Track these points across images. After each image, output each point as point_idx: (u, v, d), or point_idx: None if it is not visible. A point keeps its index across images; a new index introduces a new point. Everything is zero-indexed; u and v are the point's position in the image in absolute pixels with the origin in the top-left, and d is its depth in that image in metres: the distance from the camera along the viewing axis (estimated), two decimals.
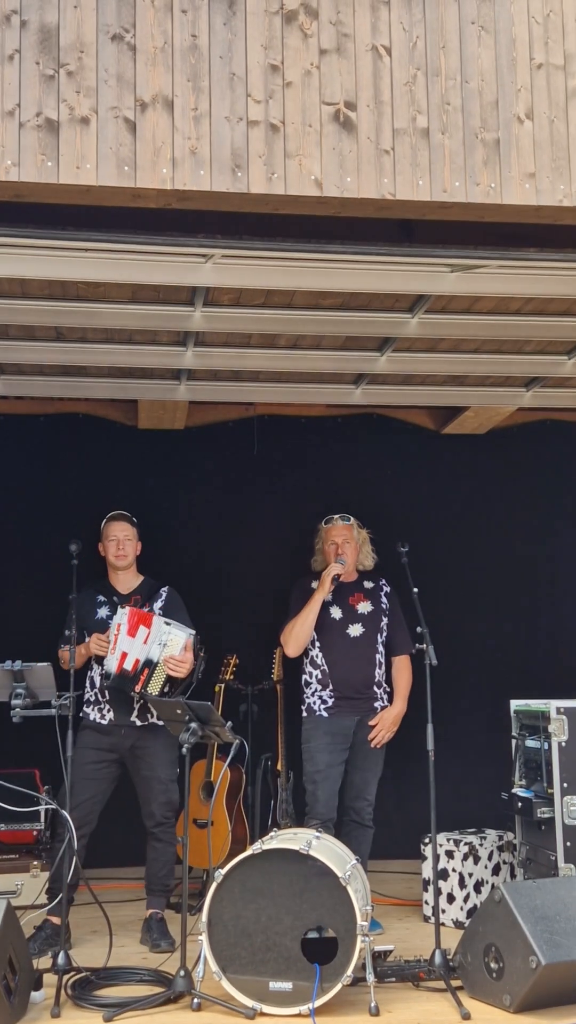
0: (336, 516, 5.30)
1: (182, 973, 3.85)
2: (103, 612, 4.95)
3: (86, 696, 4.92)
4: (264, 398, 6.12)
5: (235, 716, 5.60)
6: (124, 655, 4.72)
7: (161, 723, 4.85)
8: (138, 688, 4.72)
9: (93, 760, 4.77)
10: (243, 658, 5.79)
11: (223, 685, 5.73)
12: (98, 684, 4.87)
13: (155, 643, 4.73)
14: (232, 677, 5.76)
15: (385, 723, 5.10)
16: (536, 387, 5.93)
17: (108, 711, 4.85)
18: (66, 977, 3.97)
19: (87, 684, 4.92)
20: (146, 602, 4.99)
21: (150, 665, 4.72)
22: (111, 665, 4.74)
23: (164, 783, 4.83)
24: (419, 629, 4.62)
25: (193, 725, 4.10)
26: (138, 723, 4.85)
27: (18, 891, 5.13)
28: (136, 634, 4.73)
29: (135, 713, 4.85)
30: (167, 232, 3.88)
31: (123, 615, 4.79)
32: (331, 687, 5.10)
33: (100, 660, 4.84)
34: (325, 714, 5.10)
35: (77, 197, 3.56)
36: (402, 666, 5.21)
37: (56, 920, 4.62)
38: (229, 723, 4.21)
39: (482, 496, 6.75)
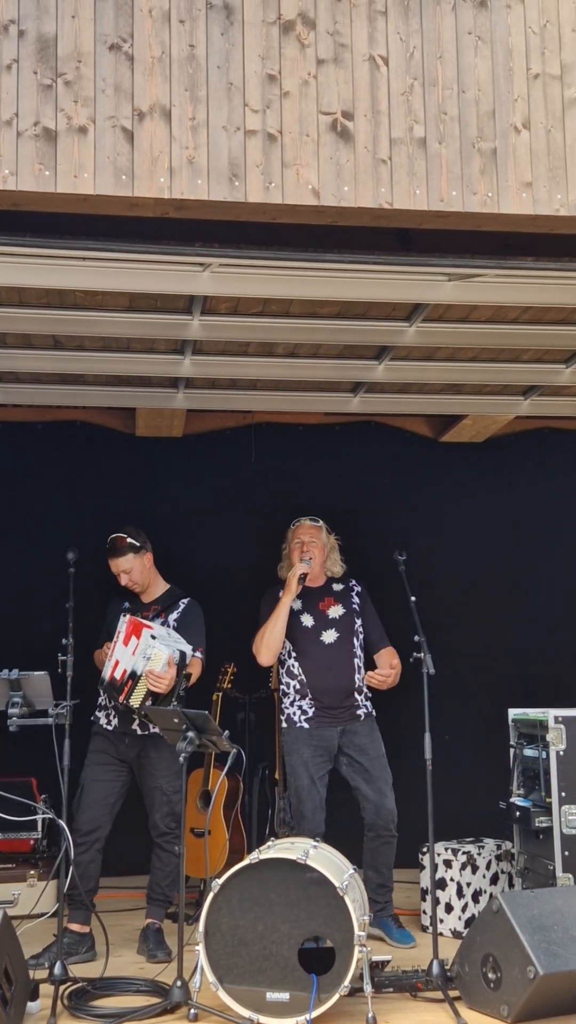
0: (304, 517, 5.24)
1: (179, 983, 3.84)
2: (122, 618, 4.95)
3: (99, 701, 4.93)
4: (262, 406, 6.13)
5: (232, 725, 5.58)
6: (116, 663, 4.72)
7: None
8: (121, 699, 4.70)
9: (102, 763, 4.80)
10: (240, 667, 5.78)
11: (220, 694, 5.72)
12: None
13: (140, 656, 4.71)
14: (230, 686, 5.75)
15: (384, 672, 4.93)
16: (534, 395, 5.94)
17: (113, 717, 4.86)
18: (62, 987, 3.95)
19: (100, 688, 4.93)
20: (163, 612, 4.97)
21: (134, 677, 4.69)
22: (105, 671, 4.75)
23: (166, 794, 4.81)
24: (416, 638, 4.60)
25: (190, 734, 4.09)
26: (139, 732, 4.84)
27: (15, 900, 5.11)
28: (129, 643, 4.73)
29: (136, 722, 4.84)
30: (165, 241, 3.88)
31: (123, 623, 4.78)
32: (310, 696, 5.01)
33: None
34: (306, 725, 5.01)
35: (74, 206, 3.57)
36: (389, 655, 5.07)
37: (75, 927, 4.62)
38: (226, 732, 4.20)
39: (480, 504, 6.75)
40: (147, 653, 4.70)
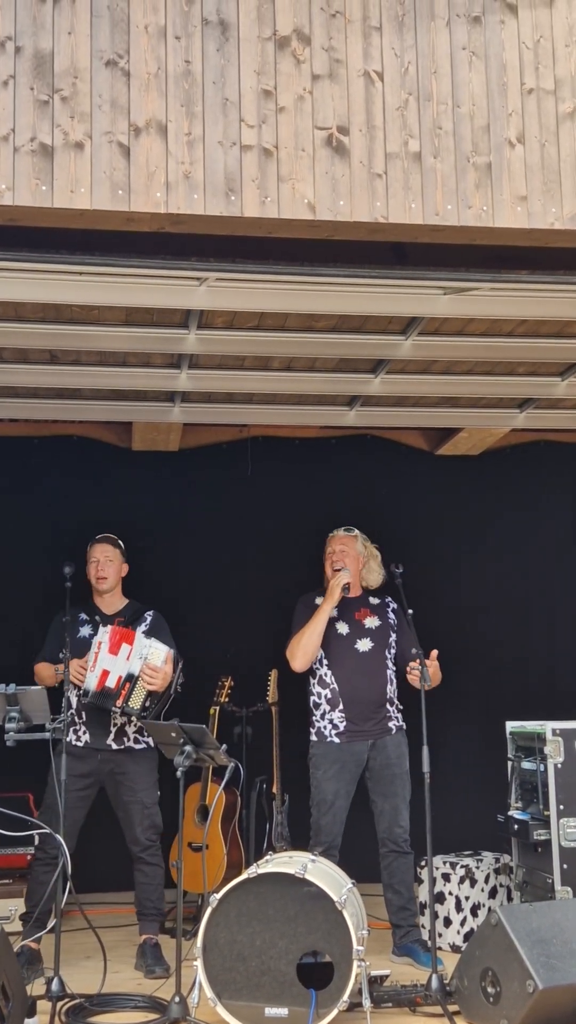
0: (340, 528, 5.24)
1: (177, 999, 3.81)
2: (86, 631, 4.94)
3: (61, 718, 4.87)
4: (258, 420, 6.14)
5: (230, 739, 5.58)
6: (105, 673, 4.72)
7: (138, 747, 4.85)
8: (119, 703, 4.70)
9: (76, 785, 4.67)
10: (238, 680, 5.78)
11: (218, 707, 5.70)
12: (74, 705, 4.81)
13: (136, 657, 4.74)
14: (227, 699, 5.74)
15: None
16: (529, 408, 5.95)
17: (84, 733, 4.82)
18: (60, 1003, 3.93)
19: (63, 705, 4.88)
20: (130, 624, 4.98)
21: (131, 679, 4.72)
22: (91, 683, 4.72)
23: (147, 807, 4.81)
24: (414, 650, 4.61)
25: (188, 748, 4.08)
26: (115, 746, 4.82)
27: (11, 916, 5.10)
28: (119, 652, 4.74)
29: (111, 736, 4.82)
30: (161, 255, 3.89)
31: (104, 634, 4.79)
32: (341, 706, 4.96)
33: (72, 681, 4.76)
34: (337, 740, 4.95)
35: (71, 221, 3.58)
36: (434, 662, 4.84)
37: (34, 945, 4.60)
38: (224, 746, 4.20)
39: (476, 517, 6.76)
40: (143, 653, 4.74)
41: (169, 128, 3.57)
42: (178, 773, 4.05)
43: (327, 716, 5.01)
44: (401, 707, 5.09)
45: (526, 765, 5.00)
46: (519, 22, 3.86)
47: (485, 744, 5.79)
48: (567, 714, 5.16)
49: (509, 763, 5.15)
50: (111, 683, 4.71)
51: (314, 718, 5.07)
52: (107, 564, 5.02)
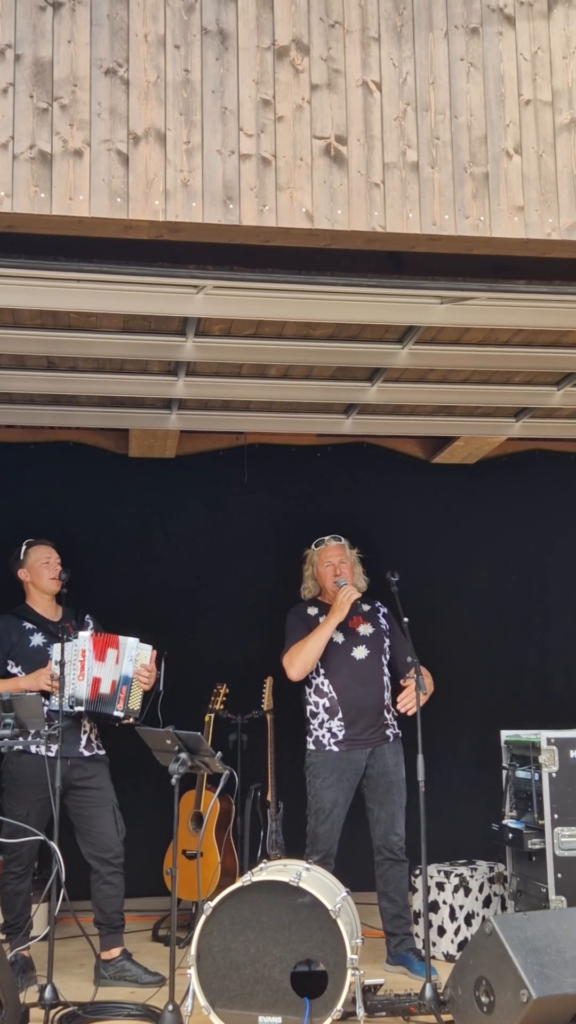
0: (326, 537, 5.23)
1: (170, 1007, 3.81)
2: (37, 640, 4.86)
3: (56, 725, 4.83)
4: (254, 427, 6.14)
5: (225, 746, 5.58)
6: (97, 680, 4.71)
7: (101, 752, 4.84)
8: (120, 706, 4.70)
9: (40, 796, 4.57)
10: (233, 687, 5.77)
11: (213, 715, 5.70)
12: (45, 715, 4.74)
13: (127, 660, 4.75)
14: (222, 707, 5.73)
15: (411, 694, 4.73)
16: (525, 417, 5.97)
17: (53, 742, 4.72)
18: (53, 1011, 3.93)
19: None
20: (73, 628, 4.92)
21: (127, 683, 4.73)
22: (82, 692, 4.69)
23: (117, 811, 4.79)
24: (409, 659, 4.61)
25: (183, 755, 4.07)
26: (86, 753, 4.79)
27: None
28: (106, 657, 4.73)
29: (83, 744, 4.79)
30: (159, 263, 3.90)
31: (86, 641, 4.76)
32: (340, 714, 4.96)
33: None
34: (335, 749, 4.95)
35: (70, 228, 3.59)
36: (426, 674, 4.88)
37: (26, 953, 4.59)
38: (219, 753, 4.19)
39: (472, 526, 6.77)
40: (133, 655, 4.76)
41: (168, 136, 3.58)
42: (173, 780, 4.05)
43: (325, 725, 5.00)
44: (398, 714, 5.08)
45: (521, 774, 5.00)
46: (517, 34, 3.88)
47: (480, 753, 5.80)
48: (562, 723, 5.17)
49: (504, 772, 5.15)
50: (105, 689, 4.70)
51: (311, 727, 5.06)
52: (57, 565, 4.97)
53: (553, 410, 5.84)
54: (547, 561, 6.81)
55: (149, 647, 4.83)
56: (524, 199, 3.78)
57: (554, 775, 4.75)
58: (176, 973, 3.89)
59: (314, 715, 5.06)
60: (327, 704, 5.01)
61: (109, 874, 4.73)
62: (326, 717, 5.00)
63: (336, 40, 3.75)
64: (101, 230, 3.60)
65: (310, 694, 5.09)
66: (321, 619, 5.07)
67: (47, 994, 3.94)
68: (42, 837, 4.33)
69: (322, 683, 5.04)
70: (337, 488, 6.58)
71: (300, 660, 4.96)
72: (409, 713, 4.73)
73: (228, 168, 3.60)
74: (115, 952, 4.71)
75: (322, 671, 5.05)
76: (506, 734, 5.21)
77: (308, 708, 5.09)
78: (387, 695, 5.05)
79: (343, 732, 4.96)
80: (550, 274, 4.13)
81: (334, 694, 5.00)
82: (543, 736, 4.82)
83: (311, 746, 5.03)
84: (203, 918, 3.83)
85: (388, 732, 5.02)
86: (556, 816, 4.71)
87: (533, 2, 3.91)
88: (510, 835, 4.94)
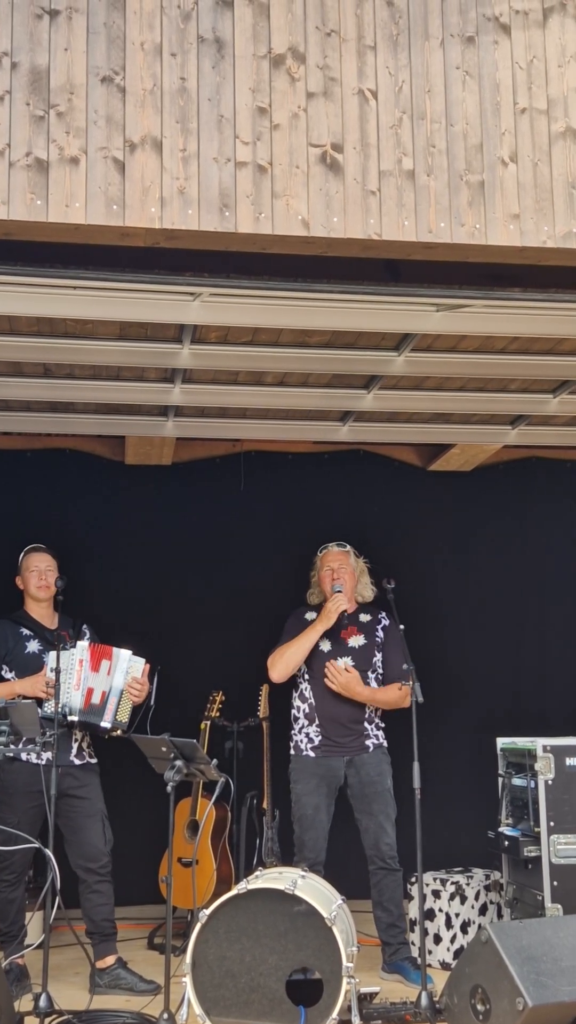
0: (332, 543, 5.26)
1: (166, 1016, 3.80)
2: (33, 646, 4.87)
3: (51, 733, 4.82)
4: (251, 434, 6.15)
5: (221, 753, 5.56)
6: (90, 690, 4.71)
7: (92, 761, 4.84)
8: (108, 717, 4.70)
9: (32, 804, 4.60)
10: (229, 695, 5.77)
11: (209, 722, 5.69)
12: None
13: (118, 672, 4.75)
14: (218, 714, 5.73)
15: (346, 677, 4.89)
16: (521, 425, 5.97)
17: (44, 750, 4.66)
18: (48, 1019, 3.91)
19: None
20: (69, 637, 4.91)
21: (117, 694, 4.74)
22: (76, 702, 4.69)
23: (106, 817, 4.78)
24: (405, 666, 4.61)
25: (178, 763, 4.07)
26: (77, 762, 4.79)
27: None
28: (99, 668, 4.74)
29: (74, 752, 4.79)
30: (155, 270, 3.91)
31: (84, 651, 4.77)
32: (317, 722, 5.01)
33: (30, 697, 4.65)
34: (312, 754, 5.00)
35: (66, 235, 3.59)
36: (392, 687, 4.97)
37: (21, 961, 4.57)
38: (214, 761, 4.19)
39: (468, 533, 6.77)
40: (125, 668, 4.77)
41: (164, 144, 3.58)
42: (168, 788, 4.04)
43: (304, 730, 5.05)
44: (383, 725, 5.10)
45: (517, 781, 5.00)
46: (512, 42, 3.89)
47: (475, 760, 5.79)
48: (558, 730, 5.17)
49: (500, 779, 5.14)
50: (96, 699, 4.71)
51: (293, 731, 5.11)
52: (48, 573, 4.98)
53: (549, 417, 5.84)
54: (543, 568, 6.81)
55: (142, 660, 4.82)
56: (520, 207, 3.79)
57: (550, 783, 4.75)
58: (171, 981, 3.88)
59: (296, 719, 5.11)
60: (307, 710, 5.06)
61: (96, 883, 4.72)
62: (305, 723, 5.05)
63: (332, 48, 3.75)
64: (97, 237, 3.61)
65: (295, 698, 5.14)
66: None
67: (42, 1002, 3.92)
68: (37, 845, 4.33)
69: (305, 689, 5.10)
70: (334, 495, 6.58)
71: (282, 662, 5.02)
72: (332, 686, 4.87)
73: (224, 176, 3.60)
74: (110, 960, 4.70)
75: (307, 677, 5.09)
76: (502, 741, 5.20)
77: (292, 711, 5.15)
78: (368, 708, 5.05)
79: (320, 738, 5.00)
80: (546, 282, 4.14)
81: (313, 701, 5.04)
82: (539, 743, 4.82)
83: (292, 751, 5.09)
84: (198, 926, 3.82)
85: (368, 743, 5.02)
86: (552, 824, 4.70)
87: (529, 11, 3.92)
88: (506, 843, 4.93)
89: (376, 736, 5.06)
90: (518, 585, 6.76)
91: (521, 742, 5.02)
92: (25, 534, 6.30)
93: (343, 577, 5.12)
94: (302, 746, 5.04)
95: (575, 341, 4.82)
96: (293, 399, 5.44)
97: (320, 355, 4.86)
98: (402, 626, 4.67)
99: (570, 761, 4.76)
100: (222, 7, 3.68)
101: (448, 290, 4.12)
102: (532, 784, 4.81)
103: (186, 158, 3.59)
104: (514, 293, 4.16)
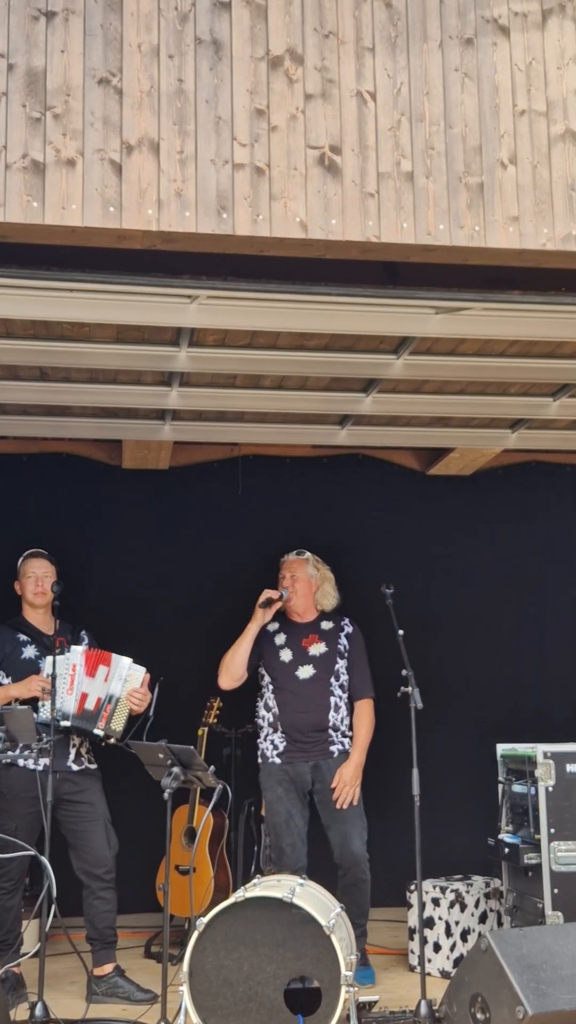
0: (292, 551, 5.27)
1: None
2: (30, 652, 4.84)
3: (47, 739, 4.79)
4: (249, 438, 6.12)
5: (218, 760, 5.54)
6: (84, 695, 4.69)
7: (92, 767, 4.81)
8: (102, 724, 4.67)
9: (29, 810, 4.56)
10: (227, 701, 5.73)
11: (206, 729, 5.66)
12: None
13: (116, 679, 4.73)
14: (216, 720, 5.70)
15: (344, 780, 4.91)
16: (521, 429, 5.95)
17: (41, 756, 4.66)
18: None
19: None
20: (67, 643, 4.89)
21: (112, 701, 4.70)
22: (69, 706, 4.67)
23: (109, 823, 4.75)
24: (404, 672, 4.58)
25: (176, 770, 4.05)
26: (75, 768, 4.76)
27: None
28: (96, 674, 4.71)
29: (71, 758, 4.76)
30: (152, 273, 3.89)
31: (79, 655, 4.75)
32: (280, 730, 5.01)
33: (27, 701, 4.64)
34: (278, 760, 5.00)
35: (62, 238, 3.57)
36: (362, 712, 5.04)
37: (17, 970, 4.54)
38: (212, 767, 4.16)
39: (468, 537, 6.74)
40: (123, 675, 4.74)
41: (161, 146, 3.56)
42: (166, 795, 4.01)
43: (269, 738, 5.06)
44: (349, 733, 5.07)
45: (517, 788, 4.96)
46: (511, 44, 3.87)
47: (475, 767, 5.75)
48: (559, 736, 5.13)
49: (500, 786, 5.11)
50: (90, 705, 4.69)
51: (259, 739, 5.13)
52: (45, 579, 4.95)
53: (549, 421, 5.82)
54: (544, 573, 6.79)
55: (142, 669, 4.79)
56: (519, 209, 3.77)
57: (550, 789, 4.72)
58: (168, 990, 3.85)
59: (260, 728, 5.14)
60: (271, 719, 5.07)
61: (101, 889, 4.69)
62: (270, 731, 5.07)
63: (330, 50, 3.74)
64: (94, 240, 3.59)
65: (259, 707, 5.16)
66: (278, 633, 5.17)
67: (38, 1011, 3.89)
68: (34, 852, 4.29)
69: (270, 698, 5.10)
70: (332, 499, 6.56)
71: (223, 668, 5.10)
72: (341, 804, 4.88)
73: (222, 178, 3.58)
74: (108, 968, 4.66)
75: (271, 686, 5.10)
76: (502, 748, 5.18)
77: (257, 720, 5.17)
78: (334, 716, 5.03)
79: (284, 744, 5.01)
80: (545, 284, 4.12)
81: (277, 710, 5.05)
82: (539, 750, 4.79)
83: (259, 759, 5.10)
84: (196, 934, 3.78)
85: (332, 748, 5.00)
86: (552, 831, 4.67)
87: (528, 13, 3.91)
88: (506, 850, 4.90)
89: (342, 743, 5.04)
90: (518, 590, 6.73)
91: (521, 748, 4.99)
92: (22, 539, 6.28)
93: (294, 585, 5.15)
94: (268, 753, 5.04)
95: (575, 344, 4.80)
96: (291, 403, 5.42)
97: (318, 358, 4.83)
98: (401, 631, 4.64)
99: (571, 767, 4.73)
100: (219, 9, 3.67)
101: (447, 293, 4.10)
102: (532, 791, 4.78)
103: (183, 160, 3.57)
104: (513, 296, 4.15)
